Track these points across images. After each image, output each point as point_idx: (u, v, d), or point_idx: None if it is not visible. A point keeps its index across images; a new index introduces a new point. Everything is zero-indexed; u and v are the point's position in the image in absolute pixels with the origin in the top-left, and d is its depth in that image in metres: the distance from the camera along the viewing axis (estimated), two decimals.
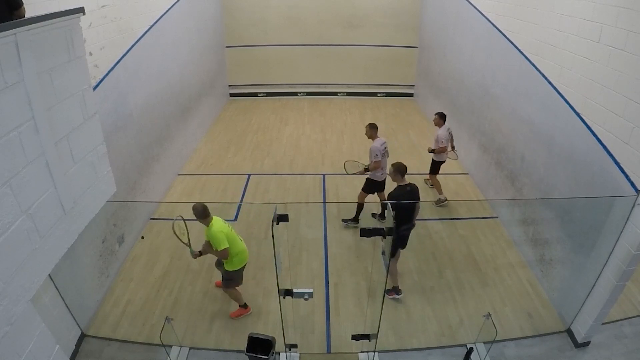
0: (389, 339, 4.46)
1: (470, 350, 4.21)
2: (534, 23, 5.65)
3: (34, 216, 2.29)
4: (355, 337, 4.21)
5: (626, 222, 3.74)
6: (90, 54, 4.92)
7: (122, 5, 5.79)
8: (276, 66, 11.73)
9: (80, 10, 2.61)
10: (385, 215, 6.09)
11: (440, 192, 6.81)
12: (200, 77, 9.32)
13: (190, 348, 4.36)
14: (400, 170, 4.66)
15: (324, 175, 7.84)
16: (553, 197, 5.10)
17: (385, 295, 4.36)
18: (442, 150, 6.55)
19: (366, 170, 5.84)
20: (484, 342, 4.33)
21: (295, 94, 12.12)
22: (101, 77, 4.95)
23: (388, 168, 4.85)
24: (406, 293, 5.04)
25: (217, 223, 4.20)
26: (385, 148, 5.81)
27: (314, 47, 11.49)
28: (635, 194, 3.67)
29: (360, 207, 6.14)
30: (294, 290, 3.59)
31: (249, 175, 7.84)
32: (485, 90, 7.04)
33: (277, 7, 11.07)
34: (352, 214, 6.22)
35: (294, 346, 4.28)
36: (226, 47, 11.37)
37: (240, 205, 6.87)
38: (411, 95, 12.08)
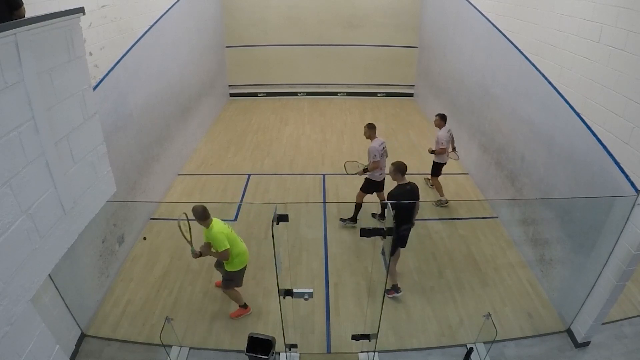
0: (389, 339, 4.46)
1: (470, 350, 4.21)
2: (534, 23, 5.65)
3: (34, 216, 2.29)
4: (355, 337, 4.21)
5: (626, 222, 3.74)
6: (90, 54, 4.92)
7: (122, 5, 5.79)
8: (276, 66, 11.73)
9: (80, 10, 2.61)
10: (385, 214, 6.10)
11: (442, 194, 6.81)
12: (200, 77, 9.32)
13: (190, 348, 4.36)
14: (400, 169, 4.69)
15: (324, 175, 7.84)
16: (553, 197, 5.10)
17: (385, 294, 4.36)
18: (442, 152, 6.54)
19: (365, 171, 5.84)
20: (484, 342, 4.33)
21: (295, 94, 12.12)
22: (101, 77, 4.95)
23: (388, 167, 4.85)
24: (406, 293, 5.04)
25: (217, 224, 4.21)
26: (383, 148, 5.81)
27: (314, 47, 11.49)
28: (635, 194, 3.67)
29: (358, 207, 6.14)
30: (294, 290, 3.59)
31: (249, 175, 7.84)
32: (485, 90, 7.04)
33: (277, 7, 11.07)
34: (352, 214, 6.22)
35: (294, 346, 4.28)
36: (226, 47, 11.37)
37: (240, 205, 6.87)
38: (411, 95, 12.08)
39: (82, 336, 4.46)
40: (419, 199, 4.84)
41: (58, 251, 2.57)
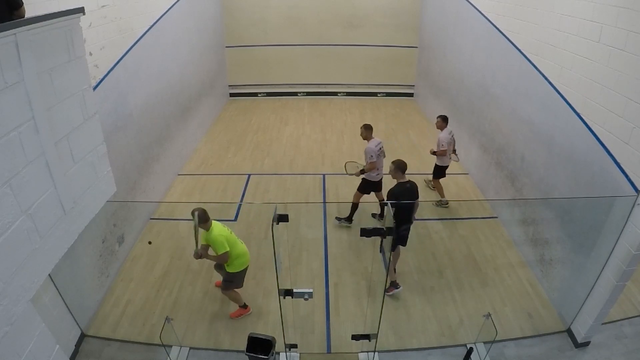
0: (389, 339, 4.46)
1: (470, 350, 4.21)
2: (534, 23, 5.65)
3: (34, 216, 2.29)
4: (355, 337, 4.21)
5: (626, 222, 3.74)
6: (90, 54, 4.93)
7: (122, 5, 5.79)
8: (276, 66, 11.73)
9: (80, 10, 2.61)
10: (385, 214, 6.10)
11: (442, 195, 6.81)
12: (200, 77, 9.32)
13: (190, 348, 4.36)
14: (400, 167, 4.72)
15: (324, 175, 7.84)
16: (553, 197, 5.10)
17: (385, 293, 4.36)
18: (443, 154, 6.51)
19: (362, 172, 5.85)
20: (484, 342, 4.33)
21: (295, 94, 12.12)
22: (101, 77, 4.95)
23: (388, 166, 4.85)
24: (406, 293, 5.04)
25: (217, 227, 4.21)
26: (380, 149, 5.80)
27: (314, 47, 11.49)
28: (635, 194, 3.67)
29: (354, 207, 6.14)
30: (294, 290, 3.59)
31: (249, 175, 7.84)
32: (485, 90, 7.04)
33: (277, 7, 11.07)
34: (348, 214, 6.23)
35: (294, 346, 4.28)
36: (226, 47, 11.36)
37: (240, 205, 6.87)
38: (411, 95, 12.07)
39: (82, 336, 4.46)
40: (418, 197, 4.85)
41: (58, 251, 2.57)
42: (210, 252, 4.37)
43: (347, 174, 6.16)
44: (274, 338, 4.01)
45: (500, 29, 6.46)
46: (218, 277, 5.00)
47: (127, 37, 5.86)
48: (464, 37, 8.11)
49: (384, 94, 12.12)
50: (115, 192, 3.31)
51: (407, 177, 4.80)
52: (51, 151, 2.42)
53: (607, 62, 4.22)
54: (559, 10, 5.07)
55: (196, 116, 8.98)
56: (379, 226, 3.54)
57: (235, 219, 6.47)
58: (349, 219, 6.21)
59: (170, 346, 4.27)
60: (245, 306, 4.72)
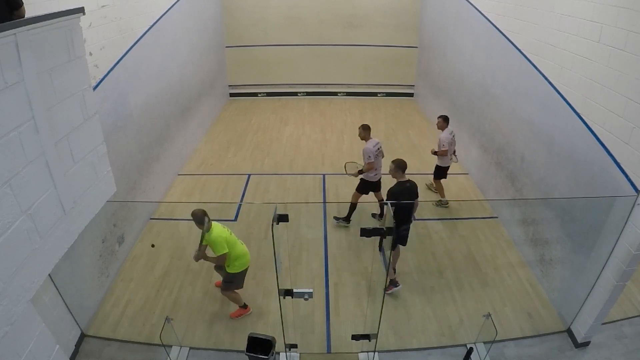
0: (389, 339, 4.46)
1: (470, 350, 4.21)
2: (534, 23, 5.65)
3: (34, 216, 2.29)
4: (355, 337, 4.21)
5: (626, 222, 3.74)
6: (90, 54, 4.93)
7: (122, 5, 5.79)
8: (276, 66, 11.73)
9: (80, 10, 2.61)
10: (385, 213, 6.10)
11: (443, 196, 6.80)
12: (200, 77, 9.32)
13: (190, 348, 4.36)
14: (400, 166, 4.73)
15: (324, 175, 7.84)
16: (553, 197, 5.09)
17: (385, 292, 4.36)
18: (444, 154, 6.49)
19: (360, 172, 5.85)
20: (484, 342, 4.33)
21: (295, 94, 12.12)
22: (101, 77, 4.95)
23: (389, 166, 4.85)
24: (406, 293, 5.04)
25: (217, 228, 4.21)
26: (378, 149, 5.80)
27: (314, 47, 11.49)
28: (635, 194, 3.67)
29: (352, 207, 6.14)
30: (294, 290, 3.59)
31: (249, 175, 7.84)
32: (485, 90, 7.04)
33: (277, 7, 11.07)
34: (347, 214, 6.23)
35: (294, 346, 4.28)
36: (226, 47, 11.36)
37: (240, 205, 6.87)
38: (411, 95, 12.07)
39: (82, 336, 4.46)
40: (417, 197, 4.85)
41: (58, 251, 2.57)
42: (210, 253, 4.36)
43: (346, 174, 6.17)
44: (274, 338, 4.01)
45: (500, 29, 6.46)
46: (218, 277, 5.00)
47: (127, 37, 5.86)
48: (464, 37, 8.11)
49: (384, 94, 12.12)
50: (115, 192, 3.31)
51: (407, 177, 4.80)
52: (51, 151, 2.42)
53: (607, 62, 4.22)
54: (559, 10, 5.07)
55: (196, 116, 8.99)
56: (378, 226, 3.54)
57: (235, 219, 6.47)
58: (347, 219, 6.21)
59: (170, 346, 4.27)
60: (245, 306, 4.72)
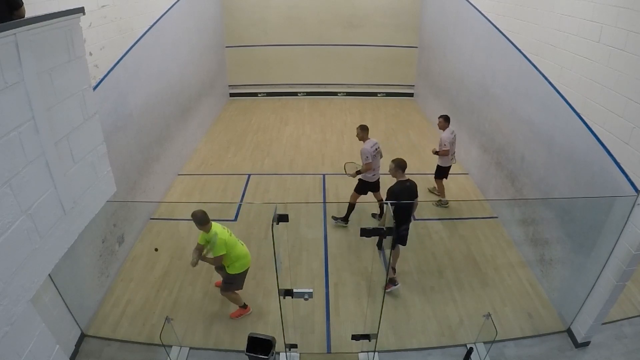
0: (389, 339, 4.46)
1: (470, 350, 4.21)
2: (534, 23, 5.65)
3: (34, 216, 2.29)
4: (355, 337, 4.21)
5: (626, 222, 3.74)
6: (90, 54, 4.93)
7: (122, 5, 5.79)
8: (276, 66, 11.73)
9: (80, 10, 2.61)
10: (385, 212, 6.10)
11: (443, 196, 6.80)
12: (200, 77, 9.32)
13: (190, 348, 4.36)
14: (400, 165, 4.74)
15: (324, 175, 7.84)
16: (553, 197, 5.09)
17: (384, 291, 4.35)
18: (445, 154, 6.48)
19: (358, 172, 5.85)
20: (484, 342, 4.33)
21: (295, 94, 12.12)
22: (101, 77, 4.95)
23: (389, 165, 4.85)
24: (406, 293, 5.04)
25: (217, 229, 4.20)
26: (376, 149, 5.80)
27: (314, 47, 11.49)
28: (635, 194, 3.67)
29: (351, 207, 6.14)
30: (294, 290, 3.59)
31: (249, 175, 7.84)
32: (485, 90, 7.04)
33: (277, 7, 11.07)
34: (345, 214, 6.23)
35: (294, 346, 4.28)
36: (226, 47, 11.36)
37: (240, 205, 6.87)
38: (411, 95, 12.07)
39: (82, 336, 4.46)
40: (417, 196, 4.86)
41: (58, 251, 2.57)
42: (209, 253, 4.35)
43: (346, 174, 6.17)
44: (274, 338, 4.01)
45: (500, 29, 6.45)
46: (218, 277, 5.00)
47: (127, 37, 5.86)
48: (464, 37, 8.11)
49: (384, 94, 12.12)
50: (115, 192, 3.31)
51: (407, 176, 4.80)
52: (51, 151, 2.42)
53: (607, 62, 4.22)
54: (559, 10, 5.07)
55: (196, 116, 8.99)
56: (378, 226, 3.54)
57: (235, 219, 6.47)
58: (345, 219, 6.21)
59: (170, 346, 4.27)
60: (245, 306, 4.72)
